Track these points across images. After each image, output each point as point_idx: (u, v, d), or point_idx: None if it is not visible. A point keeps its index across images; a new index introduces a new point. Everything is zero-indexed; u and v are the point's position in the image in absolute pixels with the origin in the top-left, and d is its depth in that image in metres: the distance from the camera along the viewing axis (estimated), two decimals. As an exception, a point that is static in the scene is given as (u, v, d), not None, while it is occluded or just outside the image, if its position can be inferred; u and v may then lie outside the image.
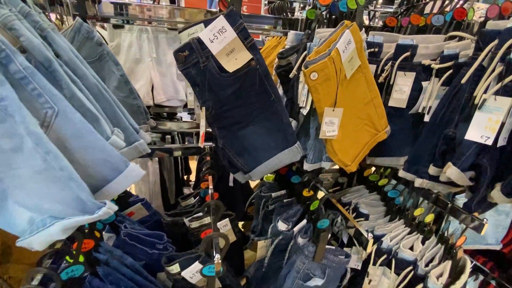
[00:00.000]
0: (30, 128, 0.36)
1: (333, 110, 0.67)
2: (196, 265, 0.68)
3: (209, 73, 0.64)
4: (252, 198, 1.10)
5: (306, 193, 0.86)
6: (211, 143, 1.01)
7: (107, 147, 0.46)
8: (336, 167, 0.80)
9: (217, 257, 0.58)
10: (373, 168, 1.15)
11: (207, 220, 0.86)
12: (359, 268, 0.89)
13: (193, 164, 1.74)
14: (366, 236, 0.72)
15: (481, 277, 1.20)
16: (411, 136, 0.85)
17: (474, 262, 1.17)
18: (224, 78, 0.64)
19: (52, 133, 0.41)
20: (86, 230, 0.63)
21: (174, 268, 0.70)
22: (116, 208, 0.41)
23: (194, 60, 0.63)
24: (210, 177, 0.85)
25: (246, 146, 0.73)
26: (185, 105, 1.43)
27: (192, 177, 1.84)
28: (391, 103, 0.83)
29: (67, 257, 0.57)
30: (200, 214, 0.87)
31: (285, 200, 1.00)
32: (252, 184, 1.43)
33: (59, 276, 0.53)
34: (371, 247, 0.75)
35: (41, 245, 0.40)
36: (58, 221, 0.38)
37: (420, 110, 0.79)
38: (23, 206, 0.40)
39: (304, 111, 0.74)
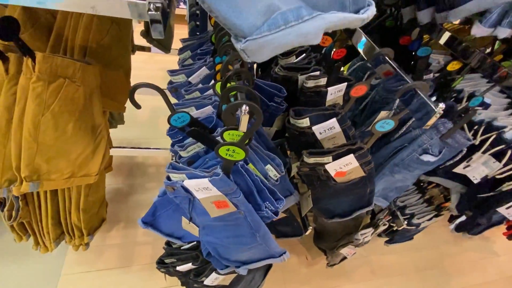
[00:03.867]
0: None
1: None
2: (333, 122, 0.63)
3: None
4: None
5: (451, 66, 0.72)
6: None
7: None
8: None
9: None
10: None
11: (323, 81, 0.77)
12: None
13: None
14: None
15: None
16: None
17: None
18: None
19: None
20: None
21: (304, 122, 0.66)
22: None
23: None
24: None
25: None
26: None
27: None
28: None
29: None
30: (318, 73, 0.76)
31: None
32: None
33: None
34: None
35: (273, 52, 0.30)
36: (321, 14, 0.26)
37: None
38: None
39: None
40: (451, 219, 1.31)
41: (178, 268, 0.84)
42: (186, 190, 0.50)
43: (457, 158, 0.80)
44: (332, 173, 0.58)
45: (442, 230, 1.76)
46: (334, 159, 0.56)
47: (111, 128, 1.42)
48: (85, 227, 0.99)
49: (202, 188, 0.47)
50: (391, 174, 0.82)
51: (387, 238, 1.44)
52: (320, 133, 0.65)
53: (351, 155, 0.55)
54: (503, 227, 1.50)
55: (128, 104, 1.48)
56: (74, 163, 0.74)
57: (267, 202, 0.53)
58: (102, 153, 0.79)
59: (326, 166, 0.57)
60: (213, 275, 0.84)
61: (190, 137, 0.55)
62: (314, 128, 0.64)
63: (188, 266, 0.84)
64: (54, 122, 0.64)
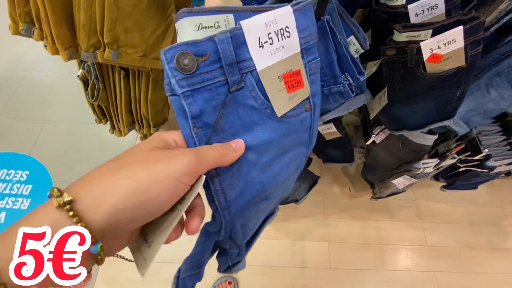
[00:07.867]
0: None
1: None
2: (438, -3, 0.52)
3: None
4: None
5: None
6: None
7: None
8: None
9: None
10: None
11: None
12: None
13: None
14: None
15: None
16: None
17: None
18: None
19: None
20: None
21: (399, -2, 0.55)
22: None
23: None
24: None
25: None
26: None
27: None
28: None
29: None
30: None
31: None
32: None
33: None
34: None
35: None
36: None
37: None
38: None
39: None
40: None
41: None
42: (236, 51, 0.26)
43: None
44: (426, 55, 0.50)
45: (512, 191, 1.57)
46: (434, 33, 0.47)
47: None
48: (151, 119, 1.08)
49: (277, 31, 0.26)
50: (486, 89, 0.69)
51: (445, 184, 1.33)
52: (417, 15, 0.55)
53: (460, 28, 0.45)
54: None
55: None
56: (147, 41, 0.77)
57: (347, 74, 0.49)
58: (171, 37, 0.80)
59: (422, 44, 0.49)
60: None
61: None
62: (410, 7, 0.54)
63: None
64: (131, -13, 0.64)
